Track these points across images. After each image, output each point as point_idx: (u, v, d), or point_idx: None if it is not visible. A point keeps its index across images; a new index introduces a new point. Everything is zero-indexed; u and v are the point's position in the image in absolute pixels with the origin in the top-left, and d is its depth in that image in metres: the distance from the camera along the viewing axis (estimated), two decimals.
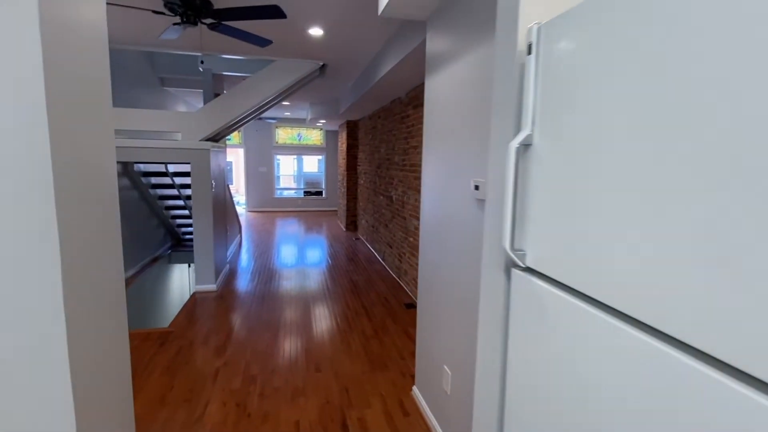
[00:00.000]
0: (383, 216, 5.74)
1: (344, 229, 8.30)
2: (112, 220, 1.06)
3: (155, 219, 5.66)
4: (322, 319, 3.71)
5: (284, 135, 10.80)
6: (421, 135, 4.11)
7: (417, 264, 4.22)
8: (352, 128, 7.86)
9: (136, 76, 5.14)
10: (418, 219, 4.20)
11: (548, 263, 0.86)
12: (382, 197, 5.83)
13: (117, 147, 3.86)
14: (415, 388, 2.54)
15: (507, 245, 0.91)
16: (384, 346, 3.21)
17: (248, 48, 3.87)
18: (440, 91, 2.13)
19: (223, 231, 4.93)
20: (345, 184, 8.18)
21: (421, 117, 4.10)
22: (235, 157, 13.37)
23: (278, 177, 11.02)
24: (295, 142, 10.87)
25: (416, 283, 4.24)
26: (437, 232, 2.22)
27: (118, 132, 4.19)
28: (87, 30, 0.91)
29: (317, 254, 6.21)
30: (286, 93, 4.70)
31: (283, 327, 3.52)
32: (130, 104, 4.91)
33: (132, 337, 3.25)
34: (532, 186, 0.91)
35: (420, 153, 4.12)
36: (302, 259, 5.91)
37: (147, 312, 4.58)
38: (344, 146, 8.14)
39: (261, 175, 10.72)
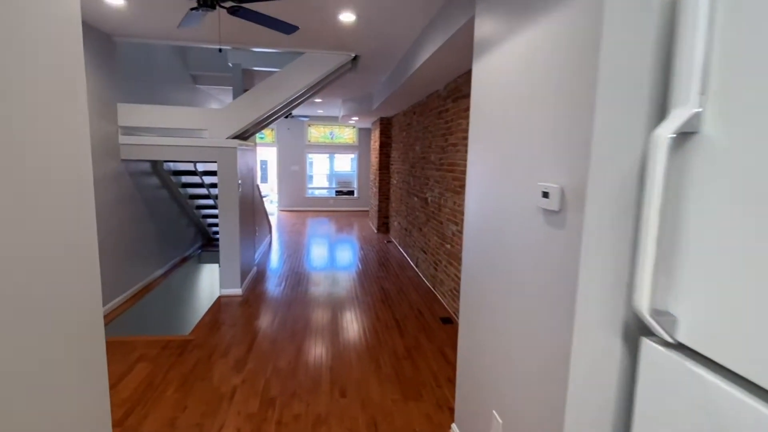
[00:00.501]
0: (417, 219, 5.37)
1: (375, 231, 8.00)
2: (87, 228, 0.81)
3: (185, 218, 5.61)
4: (350, 333, 3.40)
5: (317, 133, 10.65)
6: (461, 131, 3.71)
7: (455, 274, 3.83)
8: (385, 125, 7.54)
9: (168, 73, 5.07)
10: (457, 224, 3.80)
11: (728, 344, 0.48)
12: (416, 198, 5.46)
13: (142, 145, 3.74)
14: (454, 426, 2.17)
15: (642, 304, 0.54)
16: (418, 369, 2.85)
17: (273, 39, 3.62)
18: (493, 76, 1.74)
19: (251, 232, 4.76)
20: (377, 184, 7.87)
21: (462, 111, 3.70)
22: (269, 155, 13.41)
23: (310, 176, 10.91)
24: (327, 141, 10.71)
25: (453, 295, 3.85)
26: (485, 246, 1.84)
27: (145, 130, 4.09)
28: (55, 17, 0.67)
29: (347, 257, 5.94)
30: (317, 88, 4.44)
31: (308, 339, 3.24)
32: (161, 102, 4.84)
33: (151, 344, 3.08)
34: (699, 205, 0.52)
35: (460, 151, 3.72)
36: (331, 262, 5.66)
37: (172, 315, 4.48)
38: (377, 144, 7.83)
39: (293, 174, 10.64)
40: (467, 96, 3.56)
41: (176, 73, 5.32)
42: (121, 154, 3.76)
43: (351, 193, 11.10)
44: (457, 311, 3.76)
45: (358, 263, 5.62)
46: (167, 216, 4.91)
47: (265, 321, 3.59)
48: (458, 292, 3.74)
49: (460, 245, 3.69)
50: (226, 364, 2.82)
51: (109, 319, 3.52)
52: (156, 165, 4.55)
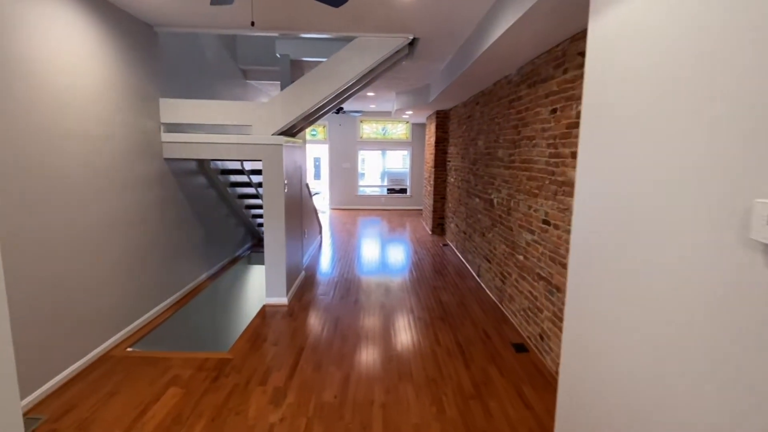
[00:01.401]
0: (479, 222, 4.76)
1: (429, 233, 7.46)
2: None
3: (234, 218, 5.47)
4: (406, 359, 2.93)
5: (369, 129, 10.30)
6: (539, 121, 3.06)
7: (529, 292, 3.20)
8: (442, 119, 6.95)
9: (217, 67, 4.91)
10: (532, 233, 3.17)
11: None
12: (478, 199, 4.85)
13: (184, 143, 3.53)
14: None
15: None
16: (490, 414, 2.31)
17: (321, 21, 3.22)
18: (645, 34, 1.15)
19: (298, 235, 4.46)
20: (432, 182, 7.32)
21: (540, 98, 3.06)
22: (321, 153, 13.34)
23: (362, 174, 10.60)
24: (379, 137, 10.31)
25: (527, 316, 3.22)
26: (622, 285, 1.26)
27: (190, 127, 3.89)
28: None
29: (400, 262, 5.47)
30: (369, 78, 3.99)
31: (357, 365, 2.82)
32: (210, 98, 4.68)
33: (187, 363, 2.83)
34: None
35: (538, 146, 3.08)
36: (383, 267, 5.22)
37: (215, 323, 4.30)
38: (432, 140, 7.27)
39: (344, 172, 10.38)
40: (548, 80, 2.92)
41: (225, 68, 5.16)
42: (163, 152, 3.58)
43: (403, 191, 10.63)
44: (532, 336, 3.14)
45: (412, 269, 5.13)
46: (215, 216, 4.76)
47: (310, 339, 3.23)
48: (533, 312, 3.12)
49: (538, 257, 3.06)
50: (264, 395, 2.47)
51: (150, 328, 3.35)
52: (203, 164, 4.39)
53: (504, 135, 3.90)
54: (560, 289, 2.69)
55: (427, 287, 4.45)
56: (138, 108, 3.24)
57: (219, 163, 4.76)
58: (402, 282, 4.64)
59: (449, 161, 6.86)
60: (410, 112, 7.40)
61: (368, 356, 2.95)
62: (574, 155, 2.54)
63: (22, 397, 2.22)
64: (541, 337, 2.97)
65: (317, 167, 15.59)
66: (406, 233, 7.50)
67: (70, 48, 2.55)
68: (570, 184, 2.58)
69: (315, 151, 12.14)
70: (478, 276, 4.73)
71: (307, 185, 5.47)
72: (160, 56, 3.59)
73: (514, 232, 3.56)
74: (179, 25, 3.38)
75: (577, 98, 2.52)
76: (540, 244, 3.02)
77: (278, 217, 3.70)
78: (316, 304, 3.92)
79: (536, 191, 3.11)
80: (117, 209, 3.00)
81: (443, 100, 5.76)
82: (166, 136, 3.56)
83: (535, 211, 3.13)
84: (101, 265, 2.86)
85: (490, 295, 4.22)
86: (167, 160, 3.63)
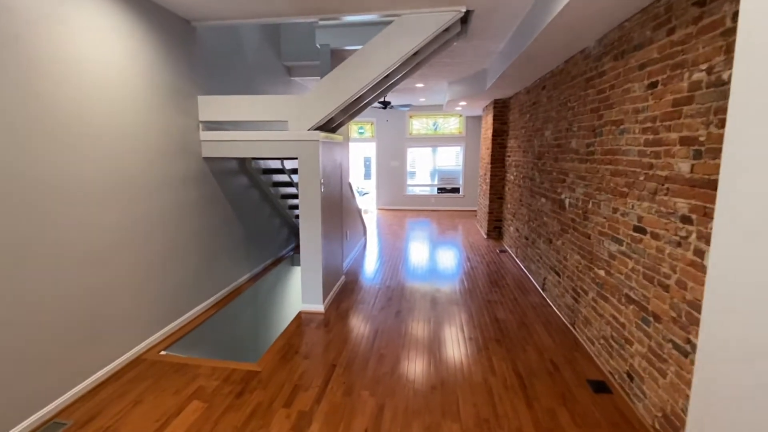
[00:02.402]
0: (545, 227, 4.09)
1: (485, 237, 6.81)
2: None
3: (278, 218, 5.29)
4: (452, 390, 2.43)
5: (418, 125, 9.80)
6: (629, 100, 2.41)
7: (612, 316, 2.55)
8: (500, 109, 6.27)
9: (259, 64, 4.74)
10: (618, 242, 2.52)
11: None
12: (544, 200, 4.18)
13: (221, 141, 3.32)
14: None
15: None
16: None
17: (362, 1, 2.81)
18: None
19: (337, 237, 4.12)
20: (488, 180, 6.66)
21: (631, 70, 2.40)
22: (370, 151, 13.05)
23: (411, 172, 10.13)
24: (430, 133, 9.77)
25: (609, 347, 2.57)
26: None
27: (230, 124, 3.70)
28: None
29: (450, 269, 4.94)
30: (416, 62, 3.53)
31: (394, 393, 2.38)
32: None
33: (214, 372, 2.59)
34: None
35: (629, 131, 2.42)
36: (431, 274, 4.73)
37: (250, 328, 4.10)
38: (489, 132, 6.61)
39: (392, 171, 9.99)
40: (643, 46, 2.25)
41: (269, 64, 4.98)
42: (202, 151, 3.41)
43: (455, 190, 9.99)
44: (616, 374, 2.49)
45: (464, 278, 4.58)
46: (258, 217, 4.58)
47: (344, 354, 2.85)
48: (618, 343, 2.47)
49: (626, 274, 2.41)
50: (287, 420, 2.13)
51: (187, 330, 3.19)
52: (244, 163, 4.21)
53: (579, 121, 3.23)
54: (659, 319, 2.04)
55: (481, 300, 3.89)
56: (175, 105, 3.08)
57: (261, 162, 4.58)
58: (451, 292, 4.12)
59: (508, 156, 6.16)
60: (464, 103, 6.80)
61: (408, 383, 2.50)
62: (686, 141, 1.89)
63: (51, 400, 2.19)
64: (630, 377, 2.32)
65: (367, 166, 15.37)
66: (458, 236, 6.91)
67: (107, 46, 2.47)
68: (678, 180, 1.93)
69: (364, 150, 11.88)
70: (543, 290, 4.07)
71: (349, 184, 5.14)
72: (198, 52, 3.42)
73: (593, 241, 2.90)
74: (216, 17, 3.17)
75: (693, 63, 1.86)
76: (630, 258, 2.37)
77: (314, 218, 3.37)
78: (355, 313, 3.54)
79: (624, 190, 2.46)
80: (155, 209, 2.89)
81: (502, 87, 5.12)
82: (204, 135, 3.39)
83: (623, 215, 2.47)
84: (138, 267, 2.77)
85: (559, 314, 3.56)
86: (206, 159, 3.46)
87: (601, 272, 2.74)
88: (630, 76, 2.43)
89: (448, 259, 5.43)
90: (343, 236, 4.60)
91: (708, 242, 1.71)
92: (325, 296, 3.59)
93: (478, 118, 9.39)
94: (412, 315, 3.54)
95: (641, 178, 2.27)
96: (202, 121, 3.39)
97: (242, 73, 4.35)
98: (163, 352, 2.90)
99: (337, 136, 3.89)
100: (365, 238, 6.52)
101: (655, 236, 2.11)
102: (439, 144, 9.84)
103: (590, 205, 2.96)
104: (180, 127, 3.14)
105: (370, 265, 5.15)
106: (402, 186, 10.03)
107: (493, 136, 6.38)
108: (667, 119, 2.04)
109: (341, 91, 3.23)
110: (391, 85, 3.93)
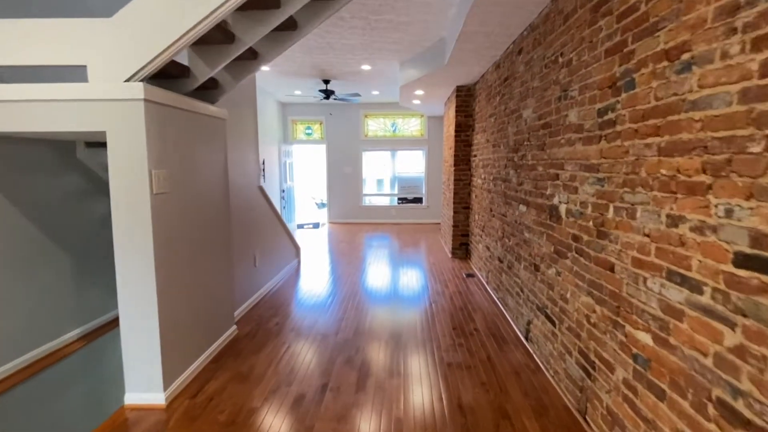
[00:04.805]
0: (528, 246, 2.83)
1: (450, 255, 5.53)
2: None
3: None
4: None
5: (375, 126, 8.54)
6: (693, 24, 1.17)
7: (668, 416, 1.25)
8: (464, 98, 5.09)
9: None
10: (688, 286, 1.24)
11: None
12: (523, 207, 2.93)
13: None
14: None
15: None
16: None
17: None
18: None
19: (219, 269, 2.69)
20: (451, 186, 5.43)
21: None
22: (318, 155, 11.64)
23: (365, 180, 8.80)
24: (388, 135, 8.53)
25: None
26: None
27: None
28: None
29: (404, 305, 3.59)
30: None
31: None
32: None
33: None
34: None
35: (705, 62, 1.17)
36: (379, 315, 3.36)
37: (61, 425, 2.56)
38: (451, 129, 5.41)
39: (346, 178, 8.63)
40: None
41: None
42: None
43: (418, 200, 8.75)
44: None
45: (419, 321, 3.23)
46: (101, 242, 3.04)
47: None
48: None
49: (713, 352, 1.13)
50: None
51: None
52: (69, 149, 2.72)
53: (583, 78, 2.00)
54: None
55: (439, 364, 2.54)
56: None
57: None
58: (398, 350, 2.75)
59: (474, 156, 4.96)
60: (421, 92, 5.58)
61: None
62: None
63: None
64: None
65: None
66: (419, 257, 5.59)
67: None
68: None
69: (311, 154, 10.41)
70: (527, 339, 2.78)
71: (260, 189, 3.73)
72: None
73: (619, 276, 1.64)
74: None
75: None
76: (725, 322, 1.09)
77: (142, 241, 1.93)
78: (224, 402, 2.09)
79: (701, 180, 1.20)
80: None
81: (465, 61, 3.92)
82: None
83: (697, 230, 1.21)
84: None
85: (556, 387, 2.25)
86: None
87: (645, 337, 1.47)
88: None
89: (404, 288, 4.08)
90: (234, 264, 3.17)
91: None
92: (170, 377, 2.12)
93: (441, 119, 8.25)
94: (338, 404, 2.13)
95: (752, 149, 1.02)
96: None
97: None
98: None
99: (211, 108, 2.50)
100: (298, 260, 5.08)
101: None
102: (398, 147, 8.61)
103: (610, 213, 1.71)
104: None
105: (295, 299, 3.72)
106: (357, 196, 8.68)
107: (456, 132, 5.18)
108: None
109: (180, 7, 1.82)
110: (297, 31, 2.56)
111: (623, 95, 1.64)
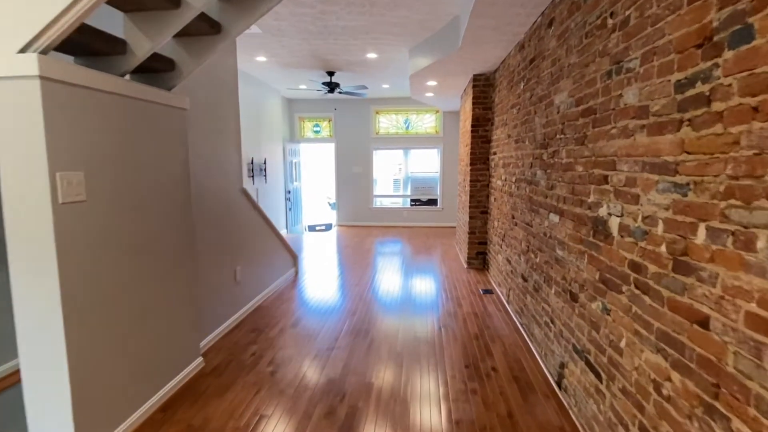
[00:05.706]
0: (562, 267, 2.24)
1: (465, 265, 4.94)
2: None
3: None
4: None
5: (386, 123, 8.00)
6: None
7: None
8: (482, 88, 4.50)
9: None
10: None
11: None
12: (556, 217, 2.34)
13: None
14: None
15: None
16: None
17: None
18: None
19: (184, 292, 2.22)
20: (467, 188, 4.84)
21: None
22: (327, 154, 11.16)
23: (376, 180, 8.27)
24: (401, 132, 7.98)
25: None
26: None
27: None
28: None
29: (409, 332, 3.04)
30: None
31: None
32: None
33: None
34: None
35: None
36: (373, 343, 2.83)
37: None
38: (468, 123, 4.82)
39: (355, 178, 8.13)
40: None
41: None
42: None
43: (433, 202, 8.16)
44: None
45: (427, 355, 2.68)
46: None
47: None
48: None
49: None
50: None
51: None
52: None
53: (651, 40, 1.41)
54: None
55: (444, 423, 1.99)
56: None
57: None
58: (392, 400, 2.21)
59: (494, 152, 4.36)
60: (434, 83, 5.00)
61: None
62: None
63: None
64: None
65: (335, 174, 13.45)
66: (432, 266, 5.03)
67: None
68: None
69: (321, 153, 9.93)
70: (559, 387, 2.19)
71: (243, 191, 3.26)
72: None
73: (720, 334, 1.05)
74: None
75: None
76: None
77: (43, 269, 1.46)
78: None
79: None
80: None
81: (482, 40, 3.34)
82: None
83: None
84: None
85: None
86: None
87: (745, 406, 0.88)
88: None
89: (412, 307, 3.54)
90: (204, 282, 2.70)
91: None
92: None
93: (458, 114, 7.63)
94: None
95: None
96: None
97: None
98: None
99: (164, 94, 2.03)
100: (295, 270, 4.61)
101: None
102: (411, 146, 8.04)
103: (700, 237, 1.12)
104: None
105: (283, 319, 3.23)
106: (368, 197, 8.16)
107: (473, 126, 4.58)
108: None
109: None
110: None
111: (727, 54, 1.05)
